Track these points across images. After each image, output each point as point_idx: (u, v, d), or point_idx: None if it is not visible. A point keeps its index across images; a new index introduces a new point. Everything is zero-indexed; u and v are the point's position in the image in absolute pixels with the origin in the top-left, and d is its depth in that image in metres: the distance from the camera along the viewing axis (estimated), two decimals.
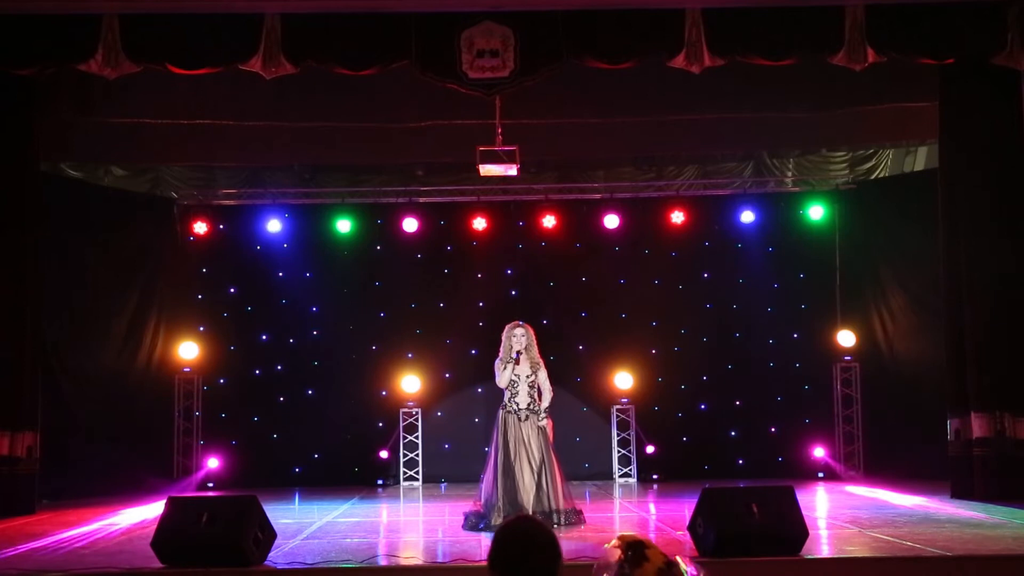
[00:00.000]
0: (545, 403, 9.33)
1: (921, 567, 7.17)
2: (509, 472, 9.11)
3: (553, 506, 9.09)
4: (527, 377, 9.30)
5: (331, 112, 12.46)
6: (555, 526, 8.96)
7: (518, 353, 9.27)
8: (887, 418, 13.73)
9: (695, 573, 3.30)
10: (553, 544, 3.23)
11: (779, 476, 13.50)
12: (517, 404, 9.28)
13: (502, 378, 9.33)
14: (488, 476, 9.29)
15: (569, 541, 8.33)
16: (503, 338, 9.41)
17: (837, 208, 14.60)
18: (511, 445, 9.19)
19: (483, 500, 9.28)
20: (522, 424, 9.24)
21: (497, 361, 9.40)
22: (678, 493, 12.19)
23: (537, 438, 9.22)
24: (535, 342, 9.44)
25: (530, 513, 8.93)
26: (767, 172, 15.14)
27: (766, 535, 7.11)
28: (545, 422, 9.28)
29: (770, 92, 11.96)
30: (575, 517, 9.21)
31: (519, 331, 9.36)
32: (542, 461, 9.16)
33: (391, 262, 14.68)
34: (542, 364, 9.42)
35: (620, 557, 3.24)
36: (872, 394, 14.13)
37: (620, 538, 3.31)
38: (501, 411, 9.35)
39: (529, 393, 9.29)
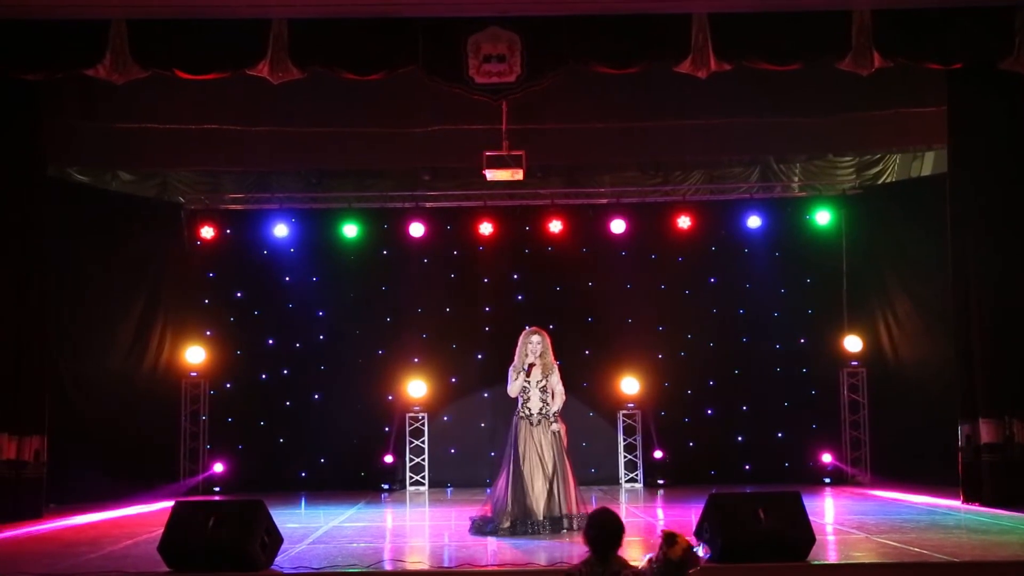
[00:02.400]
0: (556, 406, 9.32)
1: (928, 573, 7.16)
2: (520, 477, 9.12)
3: (564, 511, 9.10)
4: (538, 382, 9.29)
5: (338, 117, 12.48)
6: (566, 530, 8.98)
7: (531, 365, 9.26)
8: (894, 423, 13.69)
9: (706, 552, 5.67)
10: (619, 524, 5.06)
11: (786, 481, 13.48)
12: (529, 409, 9.29)
13: (513, 387, 9.33)
14: (500, 480, 9.30)
15: (579, 546, 8.30)
16: (519, 344, 9.40)
17: (844, 213, 14.59)
18: (522, 450, 9.20)
19: (493, 504, 9.28)
20: (534, 429, 9.24)
21: (511, 368, 9.40)
22: (685, 498, 12.17)
23: (550, 443, 9.22)
24: (550, 347, 9.44)
25: (540, 517, 8.97)
26: (774, 177, 15.12)
27: (773, 541, 7.09)
28: (558, 427, 9.27)
29: (776, 97, 11.95)
30: (585, 521, 9.18)
31: (535, 338, 9.36)
32: (555, 467, 9.16)
33: (397, 267, 14.70)
34: (555, 368, 9.40)
35: (661, 543, 4.94)
36: (879, 399, 14.10)
37: (662, 533, 5.03)
38: (514, 417, 9.36)
39: (541, 398, 9.29)
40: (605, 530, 4.97)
